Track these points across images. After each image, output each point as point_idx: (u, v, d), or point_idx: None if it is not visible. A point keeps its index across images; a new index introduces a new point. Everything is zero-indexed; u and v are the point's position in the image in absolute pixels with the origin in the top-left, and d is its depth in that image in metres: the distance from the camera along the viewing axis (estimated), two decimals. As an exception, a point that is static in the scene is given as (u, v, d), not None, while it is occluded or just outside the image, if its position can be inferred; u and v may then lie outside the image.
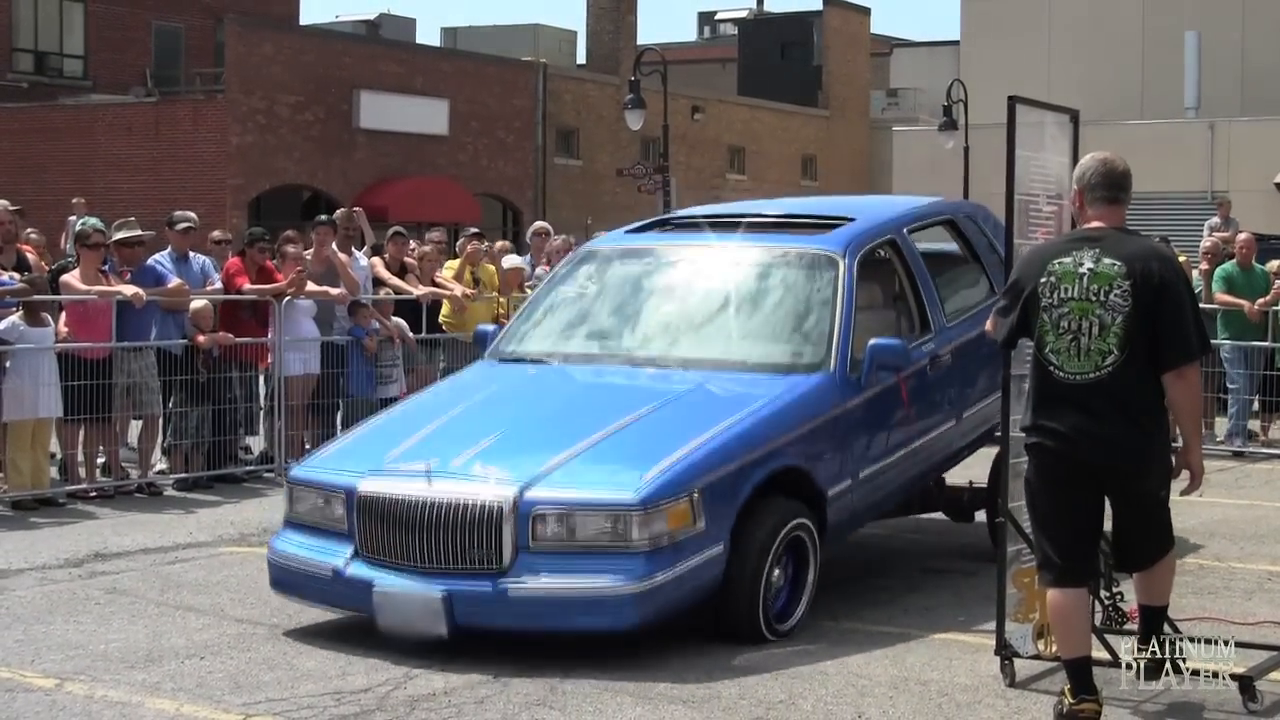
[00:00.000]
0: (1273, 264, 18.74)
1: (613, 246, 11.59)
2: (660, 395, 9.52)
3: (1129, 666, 7.75)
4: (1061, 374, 7.28)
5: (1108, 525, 7.66)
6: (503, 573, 8.43)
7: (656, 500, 8.44)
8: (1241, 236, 19.39)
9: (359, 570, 8.79)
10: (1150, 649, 7.70)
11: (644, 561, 8.37)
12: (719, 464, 8.83)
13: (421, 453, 9.01)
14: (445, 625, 8.45)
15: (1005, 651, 8.21)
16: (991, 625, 8.94)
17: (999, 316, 7.73)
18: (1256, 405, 18.48)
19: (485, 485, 8.60)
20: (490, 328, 11.71)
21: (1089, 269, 7.25)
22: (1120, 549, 7.68)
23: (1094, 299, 7.21)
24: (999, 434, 11.53)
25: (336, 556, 8.93)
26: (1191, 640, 8.01)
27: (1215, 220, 27.00)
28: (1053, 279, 7.33)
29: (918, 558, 11.56)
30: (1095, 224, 7.45)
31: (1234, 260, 18.56)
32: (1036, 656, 8.15)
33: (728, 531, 8.75)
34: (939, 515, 12.06)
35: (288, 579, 9.32)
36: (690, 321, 10.55)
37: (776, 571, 8.99)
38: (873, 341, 9.91)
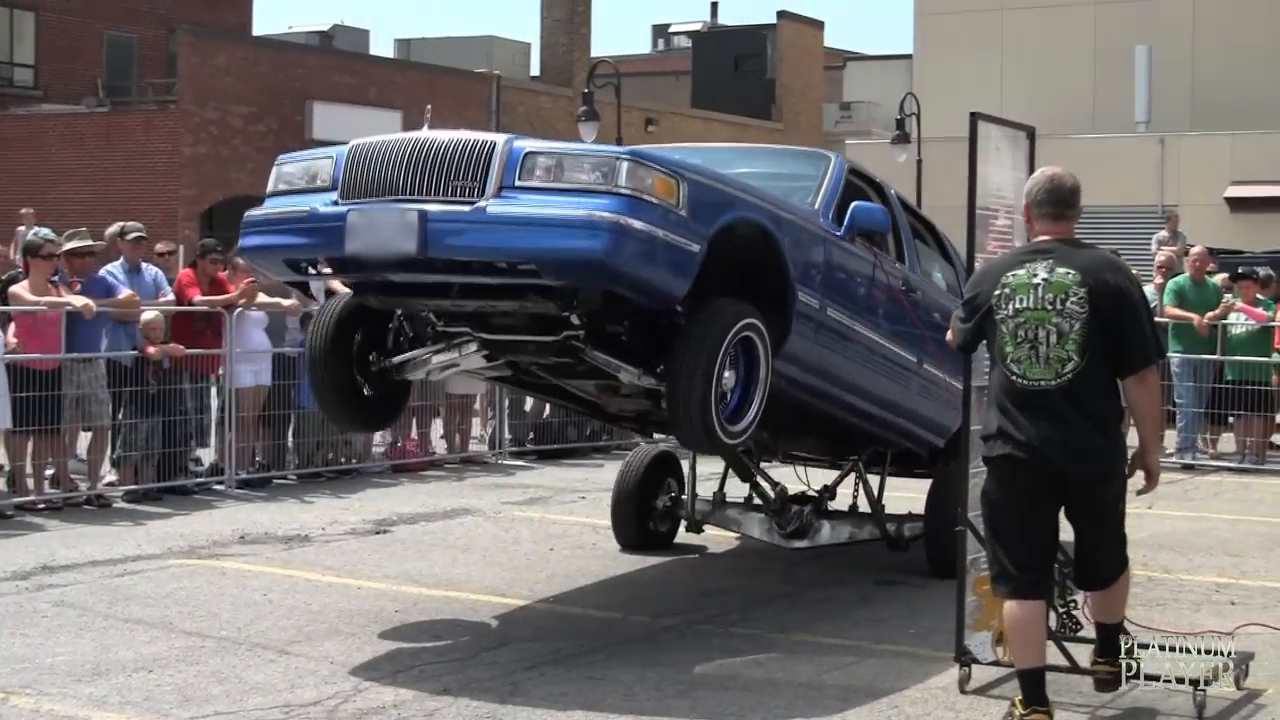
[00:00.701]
0: (1221, 276, 18.87)
1: None
2: None
3: (1073, 667, 7.86)
4: (1024, 381, 7.35)
5: (1064, 537, 7.72)
6: (484, 197, 8.31)
7: (646, 160, 8.36)
8: (1194, 250, 19.53)
9: (336, 208, 8.64)
10: (1107, 662, 7.78)
11: (626, 202, 8.18)
12: (708, 176, 8.83)
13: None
14: (415, 242, 8.27)
15: (965, 658, 8.27)
16: (942, 638, 9.02)
17: (957, 323, 7.85)
18: (1214, 418, 18.61)
19: (476, 132, 8.58)
20: None
21: (1043, 279, 7.35)
22: (1081, 567, 7.74)
23: (1050, 307, 7.31)
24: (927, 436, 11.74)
25: (316, 200, 8.80)
26: (1146, 646, 8.06)
27: (1164, 234, 27.14)
28: (1007, 290, 7.43)
29: (870, 570, 11.57)
30: (1043, 237, 7.56)
31: (1186, 274, 18.71)
32: (995, 663, 8.22)
33: (705, 242, 8.57)
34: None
35: (259, 231, 9.16)
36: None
37: (728, 374, 8.85)
38: (856, 202, 10.22)
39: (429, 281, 8.80)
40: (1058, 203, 7.58)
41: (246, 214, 9.37)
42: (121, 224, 15.88)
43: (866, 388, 10.71)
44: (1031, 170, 8.49)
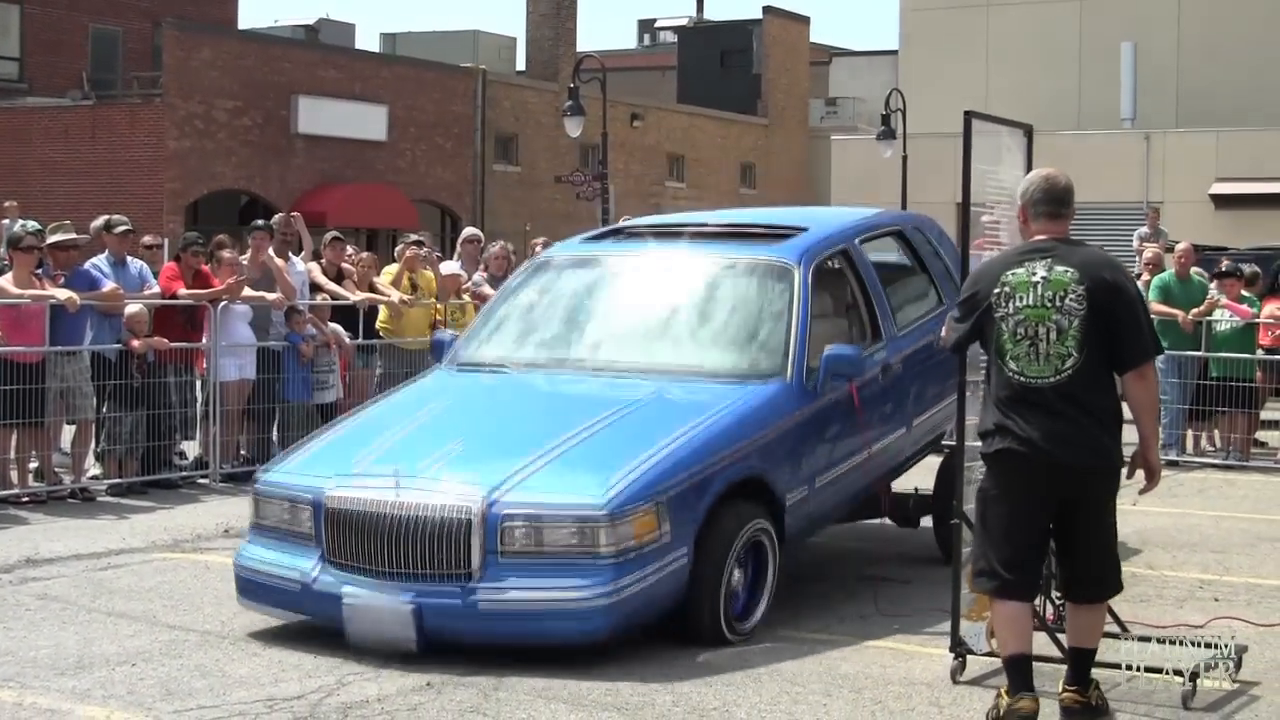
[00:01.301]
0: (1211, 290, 18.78)
1: (568, 255, 11.65)
2: (621, 402, 9.55)
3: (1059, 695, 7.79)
4: (1023, 379, 7.43)
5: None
6: (471, 580, 8.49)
7: (623, 509, 8.51)
8: (1180, 246, 19.54)
9: (328, 581, 8.79)
10: (1077, 691, 7.67)
11: (611, 571, 8.43)
12: (682, 472, 8.90)
13: (388, 460, 9.02)
14: (414, 636, 8.50)
15: (960, 649, 8.35)
16: (926, 633, 9.07)
17: (953, 324, 7.91)
18: (1198, 415, 18.63)
19: (454, 492, 8.63)
20: (448, 336, 11.76)
21: (1042, 277, 7.44)
22: (1067, 576, 7.77)
23: (1049, 305, 7.40)
24: (946, 442, 11.78)
25: (305, 566, 8.92)
26: (1132, 638, 8.23)
27: (1144, 230, 27.20)
28: (1006, 289, 7.51)
29: (854, 565, 11.58)
30: (1041, 236, 7.64)
31: (1172, 270, 18.74)
32: (991, 654, 8.25)
33: (691, 539, 8.82)
34: (877, 522, 12.05)
35: (255, 589, 9.29)
36: (648, 330, 10.64)
37: (736, 574, 9.08)
38: (828, 350, 10.01)
39: None
40: (1054, 201, 7.67)
41: (239, 568, 9.41)
42: (107, 217, 15.84)
43: (865, 480, 10.84)
44: (1030, 168, 8.55)
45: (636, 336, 10.58)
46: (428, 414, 9.85)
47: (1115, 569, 7.72)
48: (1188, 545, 12.50)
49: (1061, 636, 7.99)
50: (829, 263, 11.06)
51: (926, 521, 11.88)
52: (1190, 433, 18.49)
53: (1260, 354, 18.18)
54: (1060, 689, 7.75)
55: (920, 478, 11.99)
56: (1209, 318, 18.23)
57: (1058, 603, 8.28)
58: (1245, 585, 10.83)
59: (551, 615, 8.48)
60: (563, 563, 8.48)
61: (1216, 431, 18.51)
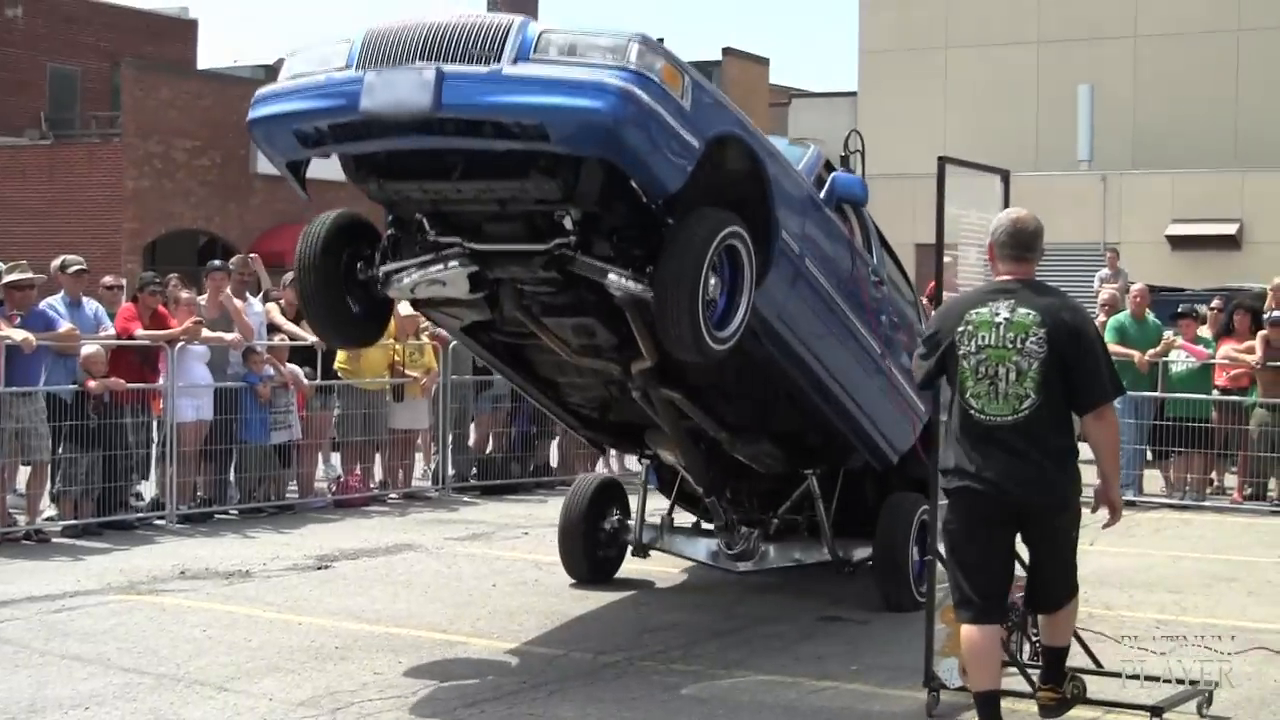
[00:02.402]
0: (1169, 334, 18.85)
1: None
2: None
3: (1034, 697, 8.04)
4: (982, 416, 7.57)
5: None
6: (499, 63, 8.42)
7: (657, 49, 8.50)
8: (1135, 287, 19.64)
9: (354, 72, 8.71)
10: (1051, 689, 7.94)
11: (636, 77, 8.33)
12: (706, 90, 8.93)
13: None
14: (430, 97, 8.37)
15: (933, 684, 8.45)
16: (884, 674, 9.16)
17: (919, 360, 8.04)
18: (1150, 455, 18.71)
19: (493, 15, 8.69)
20: None
21: (1005, 318, 7.58)
22: (1033, 591, 7.93)
23: (1010, 346, 7.53)
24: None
25: (334, 68, 8.85)
26: (1102, 674, 8.39)
27: (1105, 272, 27.31)
28: (970, 328, 7.64)
29: (813, 606, 11.57)
30: (1006, 277, 7.79)
31: (1127, 311, 18.83)
32: (962, 689, 8.32)
33: (702, 141, 8.71)
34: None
35: (271, 100, 9.20)
36: None
37: (713, 280, 8.93)
38: (837, 172, 10.45)
39: (435, 150, 8.81)
40: (1019, 245, 7.80)
41: (258, 91, 9.40)
42: (63, 257, 15.78)
43: (834, 362, 10.75)
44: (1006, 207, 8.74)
45: None
46: None
47: (1072, 573, 7.88)
48: (1144, 585, 12.54)
49: (1034, 673, 8.14)
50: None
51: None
52: (1169, 475, 18.49)
53: (1216, 394, 18.27)
54: (1036, 690, 7.98)
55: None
56: (1165, 358, 18.33)
57: (1035, 640, 8.38)
58: (1202, 625, 10.85)
59: (569, 85, 8.30)
60: (592, 65, 8.37)
61: (1172, 472, 18.58)
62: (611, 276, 8.99)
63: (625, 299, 9.13)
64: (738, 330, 9.17)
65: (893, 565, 11.37)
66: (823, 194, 10.52)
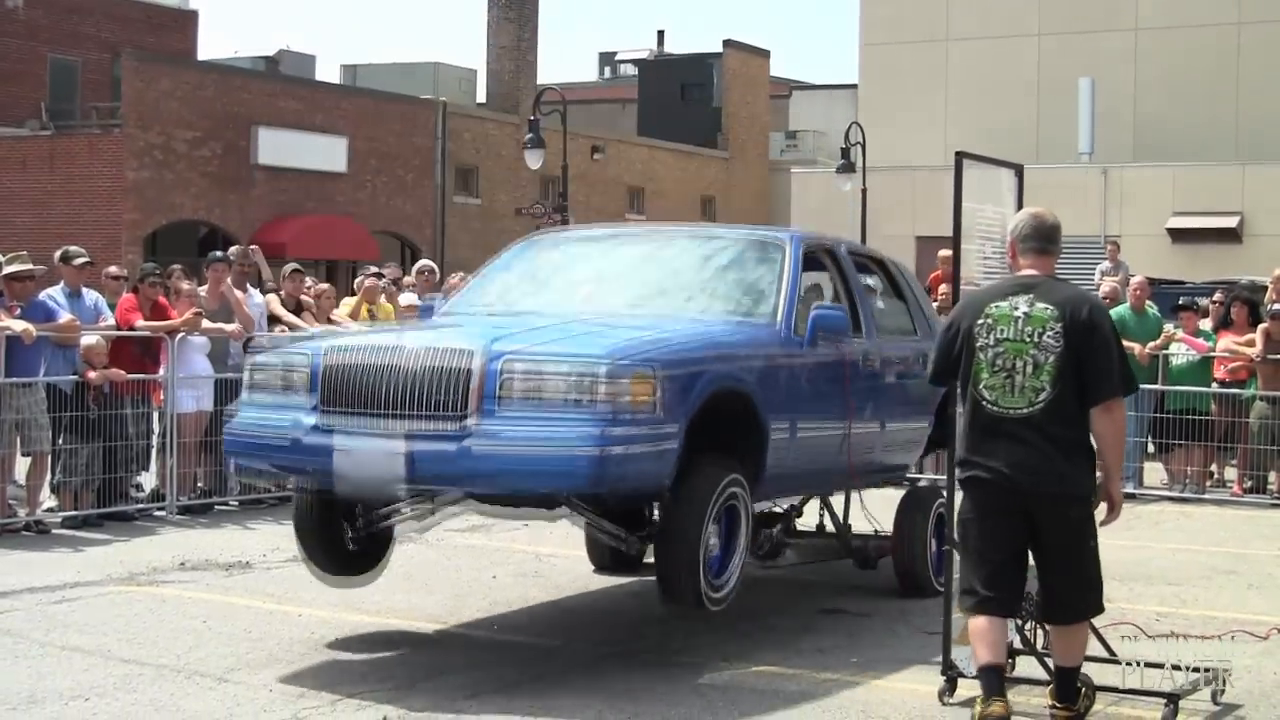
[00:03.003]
0: (1169, 327, 18.84)
1: (557, 234, 11.95)
2: (621, 321, 9.69)
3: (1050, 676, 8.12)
4: (996, 408, 7.70)
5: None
6: (465, 422, 8.46)
7: (622, 367, 8.50)
8: (1135, 280, 19.64)
9: (320, 432, 8.80)
10: (1065, 707, 7.98)
11: (604, 422, 8.36)
12: (679, 353, 8.98)
13: (384, 331, 9.23)
14: (404, 474, 8.50)
15: (951, 671, 8.52)
16: (885, 666, 9.20)
17: (934, 354, 8.24)
18: (1152, 448, 18.71)
19: (454, 338, 8.75)
20: (435, 301, 12.07)
21: (1024, 312, 7.72)
22: (1048, 598, 7.95)
23: (1028, 340, 7.67)
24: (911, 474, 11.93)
25: (298, 417, 8.93)
26: (1113, 662, 8.46)
27: (1106, 265, 27.33)
28: (989, 320, 7.78)
29: (813, 599, 11.57)
30: (1028, 271, 7.92)
31: (1128, 304, 18.82)
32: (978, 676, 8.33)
33: (682, 427, 8.77)
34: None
35: (246, 454, 9.35)
36: (646, 287, 10.73)
37: (713, 538, 9.04)
38: (816, 307, 10.36)
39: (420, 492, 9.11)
40: (1041, 238, 7.94)
41: (228, 431, 9.47)
42: (65, 248, 15.77)
43: (841, 463, 10.85)
44: (1019, 205, 8.86)
45: (633, 291, 10.66)
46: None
47: (1092, 590, 7.90)
48: (1144, 578, 12.53)
49: (1049, 658, 8.21)
50: (817, 254, 11.28)
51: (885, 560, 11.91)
52: (1185, 469, 18.47)
53: (1215, 387, 18.26)
54: (1050, 708, 8.05)
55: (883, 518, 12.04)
56: (1165, 351, 18.32)
57: (1048, 630, 8.41)
58: (1201, 618, 10.85)
59: (541, 462, 8.37)
60: (559, 414, 8.40)
61: (1172, 465, 18.57)
62: (607, 538, 9.59)
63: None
64: (735, 582, 9.33)
65: (911, 555, 11.49)
66: (805, 340, 10.30)
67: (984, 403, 7.74)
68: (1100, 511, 7.86)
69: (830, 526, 12.08)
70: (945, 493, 9.07)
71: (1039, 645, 8.45)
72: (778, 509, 11.91)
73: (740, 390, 9.45)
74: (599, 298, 10.55)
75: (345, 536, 9.91)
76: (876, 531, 12.06)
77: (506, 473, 8.47)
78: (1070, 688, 7.99)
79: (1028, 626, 8.40)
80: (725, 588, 9.21)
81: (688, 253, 11.15)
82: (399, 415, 8.55)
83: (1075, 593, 7.84)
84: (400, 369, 8.63)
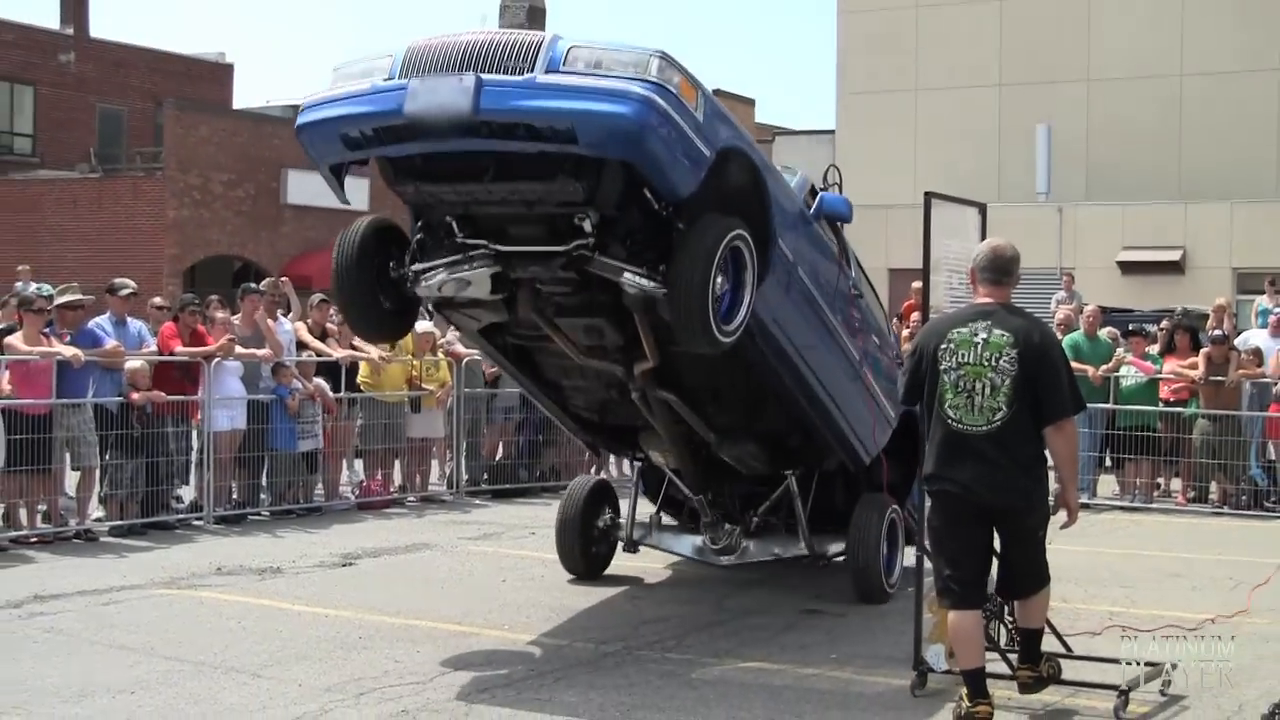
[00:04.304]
0: (1106, 330, 18.98)
1: None
2: None
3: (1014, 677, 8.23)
4: (960, 426, 7.77)
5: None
6: (532, 74, 8.44)
7: (675, 66, 8.51)
8: (1088, 309, 19.67)
9: (396, 82, 8.69)
10: (1028, 668, 8.15)
11: (656, 88, 8.33)
12: (716, 106, 8.94)
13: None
14: (469, 101, 8.36)
15: (922, 667, 8.59)
16: (862, 662, 9.21)
17: (904, 377, 8.29)
18: (1109, 461, 18.72)
19: (525, 33, 8.70)
20: None
21: (983, 339, 7.78)
22: (1006, 581, 8.13)
23: (987, 364, 7.73)
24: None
25: (377, 78, 8.82)
26: (1072, 658, 8.55)
27: (1062, 294, 27.32)
28: (951, 345, 7.84)
29: (794, 600, 11.56)
30: (985, 300, 7.98)
31: (1082, 330, 18.86)
32: (948, 672, 8.48)
33: (714, 150, 8.75)
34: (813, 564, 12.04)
35: (319, 106, 9.07)
36: None
37: (720, 278, 8.93)
38: (824, 191, 10.42)
39: (469, 153, 8.74)
40: (998, 270, 7.99)
41: (305, 99, 9.29)
42: (113, 280, 15.80)
43: (820, 365, 10.72)
44: (983, 238, 8.89)
45: None
46: None
47: (1042, 569, 8.06)
48: (1098, 580, 12.52)
49: (1012, 657, 8.31)
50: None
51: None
52: (1135, 480, 18.44)
53: (1161, 406, 18.28)
54: (1015, 670, 8.18)
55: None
56: (1116, 373, 18.34)
57: (1010, 627, 8.45)
58: (1150, 616, 10.84)
59: (598, 92, 8.30)
60: (616, 76, 8.38)
61: (1123, 477, 18.58)
62: (627, 275, 9.01)
63: (636, 298, 9.13)
64: (743, 322, 9.19)
65: (865, 559, 11.41)
66: (812, 210, 10.53)
67: (949, 420, 7.80)
68: (1060, 518, 7.96)
69: (799, 516, 11.72)
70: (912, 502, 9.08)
71: (1001, 643, 8.46)
72: (740, 514, 11.90)
73: (757, 169, 9.40)
74: None
75: (380, 298, 9.75)
76: (832, 534, 11.93)
77: (566, 103, 8.33)
78: (1034, 649, 8.14)
79: (990, 626, 8.40)
80: (733, 330, 9.09)
81: None
82: (473, 70, 8.50)
83: (1030, 575, 8.03)
84: (476, 42, 8.61)
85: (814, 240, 10.51)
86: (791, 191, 10.29)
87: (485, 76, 8.41)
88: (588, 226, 8.89)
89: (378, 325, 10.11)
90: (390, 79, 8.77)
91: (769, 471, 11.68)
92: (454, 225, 9.36)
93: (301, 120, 9.21)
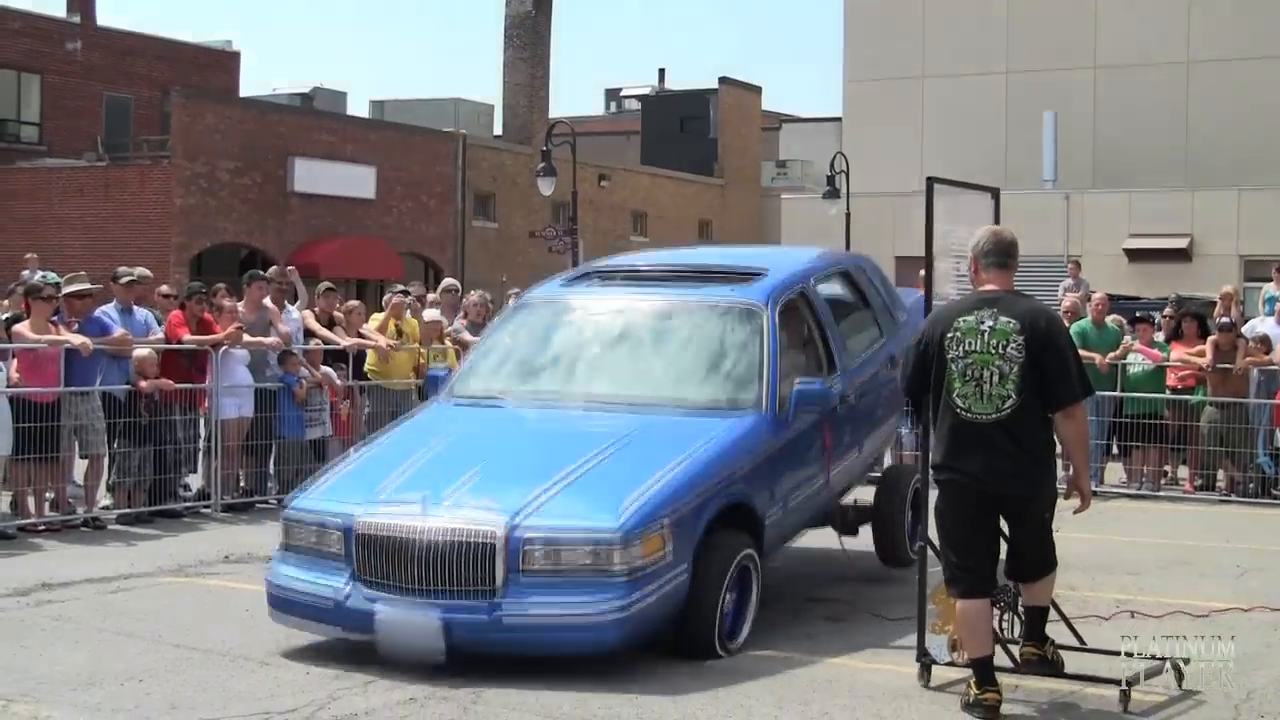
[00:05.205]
0: (1112, 317, 18.94)
1: (550, 296, 11.50)
2: (617, 434, 9.50)
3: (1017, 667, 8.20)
4: (968, 414, 7.74)
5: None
6: (495, 596, 8.44)
7: (634, 531, 8.51)
8: (1096, 296, 19.65)
9: (360, 599, 8.72)
10: (1034, 645, 8.11)
11: (623, 588, 8.43)
12: (683, 497, 8.91)
13: (410, 488, 8.98)
14: (443, 647, 8.45)
15: (925, 659, 8.53)
16: (869, 651, 9.20)
17: (908, 368, 8.23)
18: (1116, 449, 18.69)
19: (478, 518, 8.59)
20: (442, 372, 11.90)
21: (989, 326, 7.75)
22: (1016, 564, 8.10)
23: (994, 351, 7.70)
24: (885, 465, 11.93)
25: (336, 584, 8.84)
26: (1083, 650, 8.53)
27: (1068, 281, 27.31)
28: (958, 334, 7.81)
29: (802, 588, 11.55)
30: (990, 287, 7.94)
31: (1089, 318, 18.83)
32: (951, 664, 8.44)
33: (690, 556, 8.85)
34: (822, 548, 12.02)
35: (288, 605, 9.18)
36: (632, 366, 10.57)
37: (728, 597, 9.09)
38: (798, 385, 10.11)
39: None
40: (1003, 253, 7.96)
41: (272, 586, 9.29)
42: (118, 269, 15.80)
43: (826, 496, 10.95)
44: (998, 224, 8.78)
45: (620, 372, 10.52)
46: (440, 444, 9.74)
47: (1050, 553, 8.06)
48: (1104, 568, 12.52)
49: (1014, 649, 8.24)
50: (790, 302, 11.01)
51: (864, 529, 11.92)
52: (1143, 469, 18.41)
53: (1169, 394, 18.26)
54: (1020, 647, 8.13)
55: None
56: (1123, 361, 18.32)
57: (1023, 619, 8.41)
58: (1156, 603, 10.84)
59: (568, 629, 8.46)
60: (579, 580, 8.47)
61: (1130, 464, 18.56)
62: None
63: None
64: (745, 637, 9.35)
65: (890, 525, 11.63)
66: (790, 419, 10.15)
67: (957, 409, 7.77)
68: (1073, 503, 7.98)
69: None
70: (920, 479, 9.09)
71: (1010, 634, 8.44)
72: None
73: (740, 501, 9.50)
74: (590, 381, 10.41)
75: None
76: (856, 501, 12.07)
77: (539, 641, 8.51)
78: (1040, 628, 8.11)
79: (1004, 619, 8.36)
80: (737, 648, 9.24)
81: (671, 326, 10.74)
82: (433, 591, 8.55)
83: (1038, 560, 8.02)
84: (431, 547, 8.58)
85: (796, 451, 10.34)
86: (766, 444, 9.96)
87: (450, 616, 8.44)
88: None
89: None
90: (346, 559, 8.82)
91: None
92: None
93: (278, 619, 9.30)
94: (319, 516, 9.13)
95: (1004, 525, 8.00)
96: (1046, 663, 8.14)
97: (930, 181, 8.78)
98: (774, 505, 9.96)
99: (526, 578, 8.46)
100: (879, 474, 12.76)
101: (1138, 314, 19.70)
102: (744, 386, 10.17)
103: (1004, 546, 8.12)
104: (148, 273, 16.24)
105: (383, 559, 8.70)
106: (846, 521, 11.84)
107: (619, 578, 8.43)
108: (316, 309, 17.40)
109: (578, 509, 8.70)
